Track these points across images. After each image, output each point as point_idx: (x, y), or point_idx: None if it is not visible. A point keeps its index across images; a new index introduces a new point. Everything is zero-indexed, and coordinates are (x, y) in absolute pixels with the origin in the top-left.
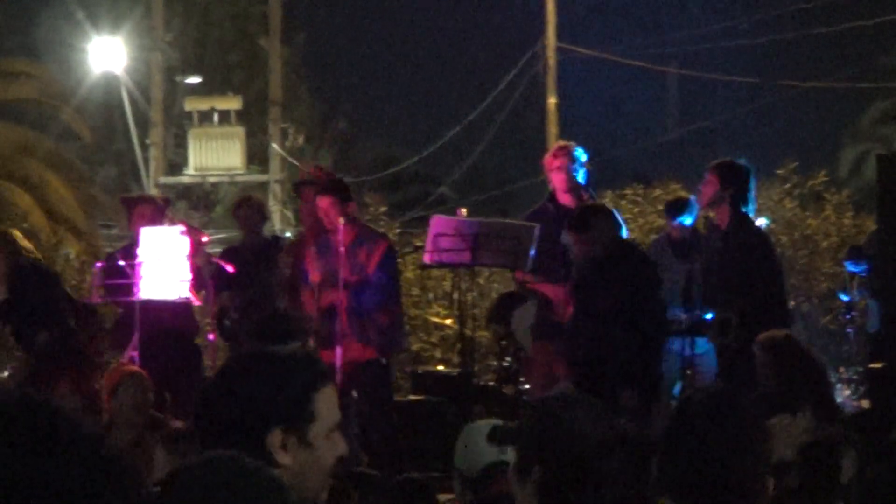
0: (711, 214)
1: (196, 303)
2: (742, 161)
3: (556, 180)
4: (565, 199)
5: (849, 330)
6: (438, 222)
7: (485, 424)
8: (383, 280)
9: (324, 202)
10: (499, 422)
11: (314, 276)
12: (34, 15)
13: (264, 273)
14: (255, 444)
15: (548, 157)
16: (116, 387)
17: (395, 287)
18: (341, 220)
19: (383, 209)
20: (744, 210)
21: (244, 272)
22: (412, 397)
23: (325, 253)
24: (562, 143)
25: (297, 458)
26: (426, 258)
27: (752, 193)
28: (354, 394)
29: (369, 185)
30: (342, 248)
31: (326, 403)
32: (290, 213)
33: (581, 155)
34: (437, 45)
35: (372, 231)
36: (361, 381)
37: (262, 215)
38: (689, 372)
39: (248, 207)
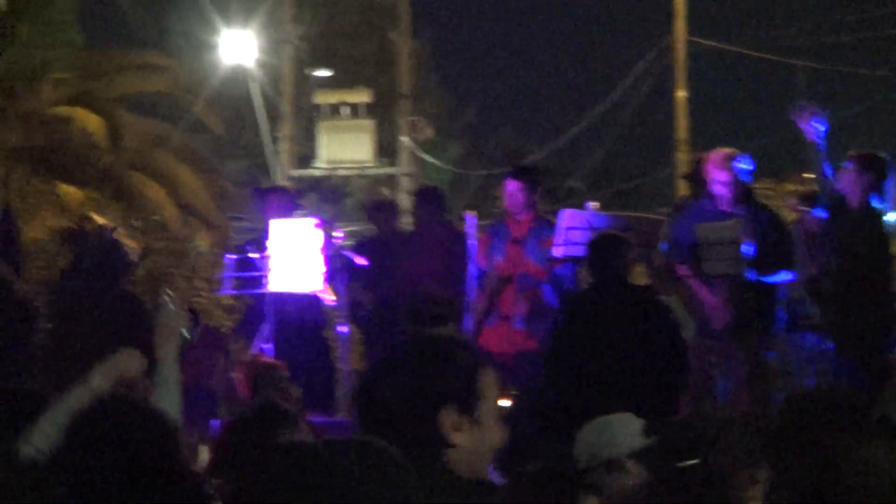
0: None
1: (330, 298)
2: (883, 154)
3: (719, 191)
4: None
5: None
6: (568, 216)
7: (617, 417)
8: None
9: (511, 186)
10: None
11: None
12: (166, 8)
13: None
14: (426, 424)
15: (711, 166)
16: (256, 379)
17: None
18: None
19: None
20: (877, 203)
21: (377, 265)
22: None
23: (503, 239)
24: (727, 152)
25: (469, 438)
26: (556, 252)
27: (890, 186)
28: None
29: (497, 177)
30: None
31: (489, 383)
32: None
33: (747, 164)
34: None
35: (549, 222)
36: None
37: (395, 214)
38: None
39: (387, 211)
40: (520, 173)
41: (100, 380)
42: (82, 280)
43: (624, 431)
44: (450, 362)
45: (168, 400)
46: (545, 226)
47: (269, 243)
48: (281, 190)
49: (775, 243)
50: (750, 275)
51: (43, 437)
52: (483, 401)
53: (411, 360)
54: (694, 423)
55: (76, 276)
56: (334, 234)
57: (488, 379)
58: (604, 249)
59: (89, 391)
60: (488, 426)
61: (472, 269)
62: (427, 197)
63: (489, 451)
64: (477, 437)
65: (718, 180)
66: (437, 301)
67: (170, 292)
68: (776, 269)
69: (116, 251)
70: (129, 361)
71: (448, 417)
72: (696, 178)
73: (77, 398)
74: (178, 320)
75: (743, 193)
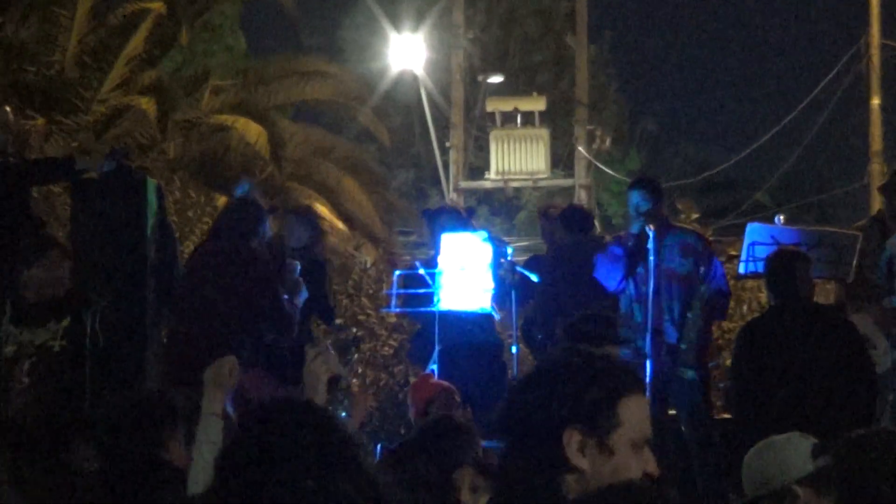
0: None
1: (496, 315)
2: None
3: None
4: None
5: None
6: (755, 230)
7: (784, 438)
8: None
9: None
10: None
11: None
12: (333, 13)
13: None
14: (549, 441)
15: None
16: (429, 402)
17: None
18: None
19: (695, 216)
20: None
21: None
22: (726, 415)
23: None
24: None
25: (593, 463)
26: (741, 268)
27: None
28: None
29: (680, 190)
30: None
31: (634, 412)
32: (596, 221)
33: None
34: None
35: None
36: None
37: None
38: None
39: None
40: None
41: (215, 404)
42: (213, 239)
43: (792, 454)
44: (587, 381)
45: None
46: None
47: (440, 259)
48: (450, 210)
49: None
50: None
51: (200, 482)
52: (620, 428)
53: (549, 374)
54: (874, 439)
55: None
56: (506, 248)
57: (634, 407)
58: (781, 267)
59: (215, 420)
60: (622, 455)
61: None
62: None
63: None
64: (604, 464)
65: None
66: (595, 319)
67: (316, 348)
68: None
69: (246, 210)
70: (221, 374)
71: (572, 437)
72: (892, 191)
73: (210, 432)
74: (325, 369)
75: None
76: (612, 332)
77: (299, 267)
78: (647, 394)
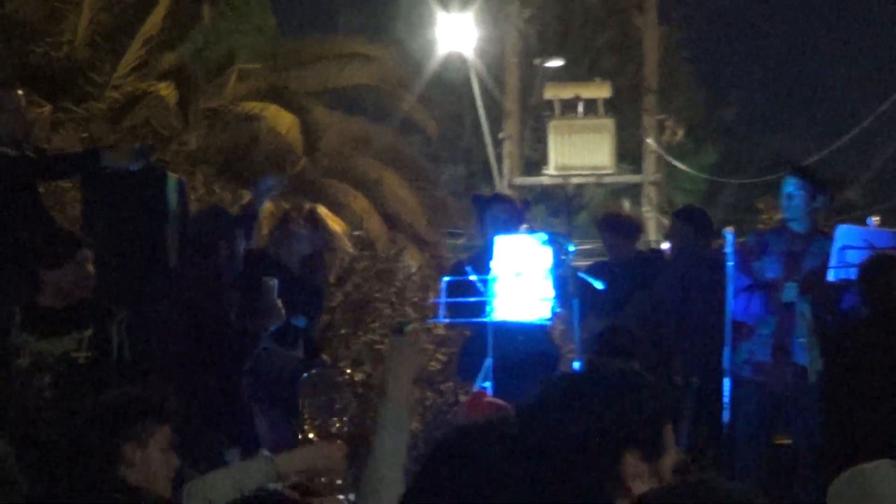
0: None
1: (557, 327)
2: None
3: None
4: None
5: None
6: (845, 233)
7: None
8: None
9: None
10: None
11: None
12: None
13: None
14: (608, 465)
15: None
16: None
17: None
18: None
19: (779, 217)
20: None
21: (614, 291)
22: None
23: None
24: None
25: (643, 488)
26: (831, 275)
27: None
28: None
29: (760, 187)
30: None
31: (671, 436)
32: (667, 221)
33: None
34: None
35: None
36: None
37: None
38: None
39: (624, 229)
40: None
41: (289, 465)
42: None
43: (878, 486)
44: (645, 401)
45: (394, 444)
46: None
47: (493, 264)
48: (504, 199)
49: None
50: None
51: (217, 491)
52: (666, 454)
53: (606, 391)
54: None
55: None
56: (566, 252)
57: (671, 431)
58: (877, 274)
59: (274, 470)
60: (665, 482)
61: (730, 294)
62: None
63: None
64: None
65: None
66: (623, 332)
67: (414, 325)
68: None
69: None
70: (329, 461)
71: (632, 462)
72: None
73: (260, 471)
74: (417, 359)
75: None
76: (638, 347)
77: (275, 284)
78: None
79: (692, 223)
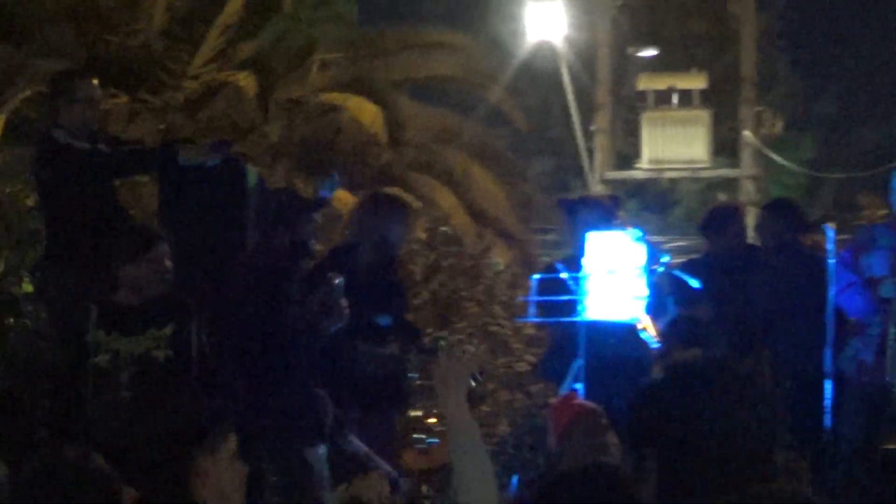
0: None
1: (650, 329)
2: None
3: None
4: None
5: None
6: None
7: None
8: None
9: None
10: None
11: None
12: None
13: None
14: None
15: None
16: (570, 424)
17: None
18: None
19: (882, 213)
20: None
21: (712, 288)
22: None
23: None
24: None
25: None
26: None
27: None
28: None
29: (861, 182)
30: None
31: None
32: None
33: None
34: None
35: None
36: None
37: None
38: None
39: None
40: None
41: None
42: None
43: None
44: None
45: (470, 464)
46: None
47: (585, 261)
48: (592, 201)
49: None
50: None
51: None
52: None
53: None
54: None
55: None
56: (660, 251)
57: None
58: None
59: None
60: None
61: (831, 293)
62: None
63: None
64: None
65: None
66: (698, 323)
67: (447, 338)
68: None
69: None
70: (371, 489)
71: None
72: None
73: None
74: (460, 371)
75: None
76: (712, 339)
77: (341, 283)
78: None
79: (783, 217)
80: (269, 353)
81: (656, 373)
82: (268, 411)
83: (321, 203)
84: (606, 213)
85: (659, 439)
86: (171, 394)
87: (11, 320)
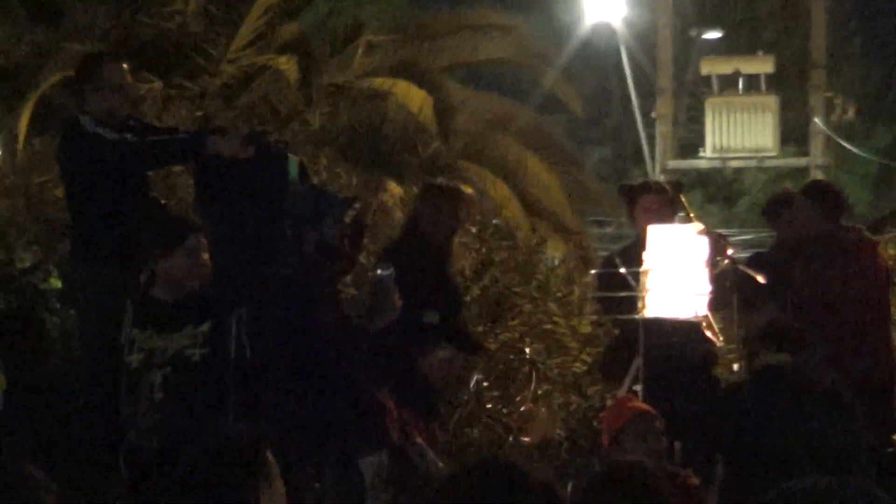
0: None
1: (713, 327)
2: None
3: None
4: None
5: None
6: None
7: None
8: None
9: None
10: None
11: None
12: None
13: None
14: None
15: None
16: (622, 428)
17: None
18: None
19: None
20: None
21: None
22: None
23: None
24: None
25: None
26: None
27: None
28: None
29: None
30: None
31: None
32: None
33: None
34: None
35: None
36: None
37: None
38: None
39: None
40: None
41: None
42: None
43: None
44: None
45: None
46: None
47: (645, 255)
48: (655, 188)
49: None
50: None
51: None
52: None
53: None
54: None
55: None
56: (724, 243)
57: None
58: None
59: None
60: None
61: None
62: (818, 196)
63: None
64: None
65: None
66: (781, 326)
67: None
68: None
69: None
70: None
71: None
72: None
73: None
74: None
75: None
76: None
77: (390, 275)
78: None
79: (820, 202)
80: (315, 355)
81: (736, 375)
82: (316, 420)
83: (349, 204)
84: (669, 201)
85: (733, 445)
86: (206, 396)
87: (40, 317)
